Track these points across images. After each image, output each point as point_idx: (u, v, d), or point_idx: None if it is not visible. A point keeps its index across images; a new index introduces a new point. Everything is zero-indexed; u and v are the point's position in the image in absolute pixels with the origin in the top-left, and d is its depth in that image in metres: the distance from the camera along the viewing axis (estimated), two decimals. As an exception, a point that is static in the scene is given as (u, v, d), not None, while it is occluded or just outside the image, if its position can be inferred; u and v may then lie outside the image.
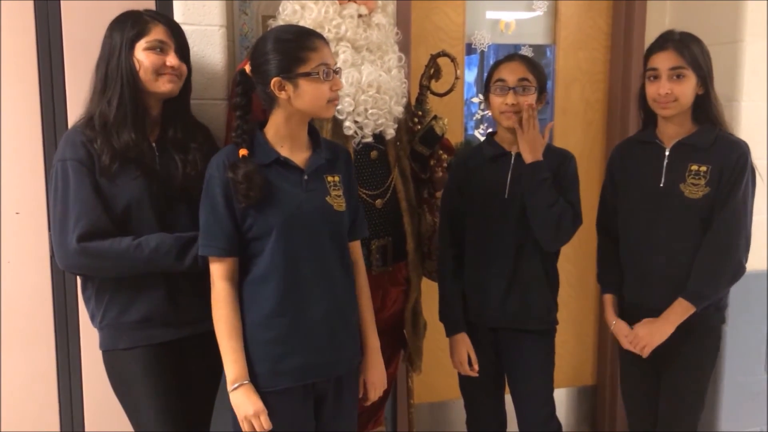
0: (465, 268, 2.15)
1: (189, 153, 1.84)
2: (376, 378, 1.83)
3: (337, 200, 1.71)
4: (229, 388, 1.64)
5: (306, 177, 1.69)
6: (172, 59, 1.79)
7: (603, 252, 2.28)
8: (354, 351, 1.79)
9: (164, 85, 1.79)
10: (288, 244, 1.65)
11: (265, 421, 1.63)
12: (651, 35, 2.89)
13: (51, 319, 2.28)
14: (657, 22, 2.92)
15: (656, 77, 2.03)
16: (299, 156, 1.71)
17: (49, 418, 2.31)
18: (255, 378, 1.66)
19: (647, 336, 2.08)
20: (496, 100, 2.05)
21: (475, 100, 2.99)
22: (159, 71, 1.78)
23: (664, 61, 2.02)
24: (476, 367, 2.12)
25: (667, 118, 2.07)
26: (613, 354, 3.11)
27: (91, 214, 1.70)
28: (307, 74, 1.62)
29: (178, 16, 2.04)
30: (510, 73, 2.03)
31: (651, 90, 2.05)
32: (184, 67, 1.83)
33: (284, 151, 1.69)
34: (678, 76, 2.00)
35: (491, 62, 2.40)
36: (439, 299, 2.19)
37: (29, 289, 2.25)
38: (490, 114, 2.13)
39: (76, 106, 1.86)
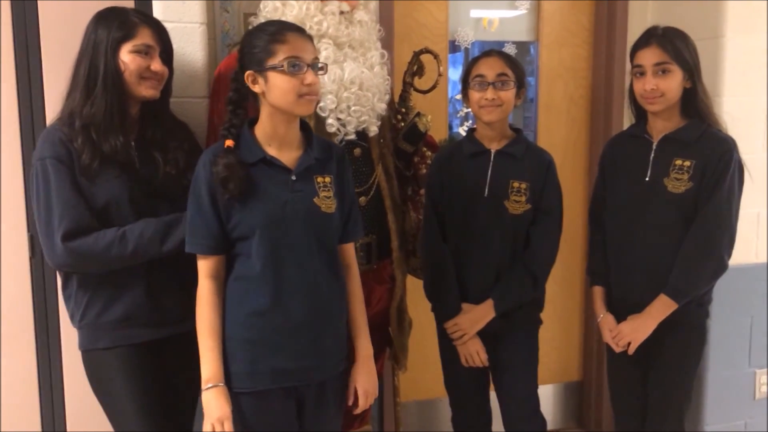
0: None
1: (169, 152, 1.82)
2: (368, 386, 1.77)
3: (325, 201, 1.68)
4: (203, 387, 1.62)
5: (294, 177, 1.66)
6: (156, 64, 1.77)
7: (593, 244, 2.28)
8: (339, 357, 1.75)
9: (146, 90, 1.77)
10: (271, 244, 1.63)
11: (228, 427, 1.60)
12: (633, 31, 2.91)
13: (31, 319, 2.25)
14: (639, 18, 2.93)
15: (642, 73, 2.04)
16: (289, 155, 1.68)
17: (30, 419, 2.28)
18: (232, 377, 1.65)
19: (631, 333, 2.09)
20: (475, 95, 2.05)
21: (459, 97, 2.98)
22: (143, 75, 1.76)
23: (648, 57, 2.02)
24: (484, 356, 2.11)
25: (656, 113, 2.07)
26: (599, 350, 3.11)
27: (74, 212, 1.68)
28: (274, 67, 1.60)
29: (158, 13, 2.02)
30: (488, 69, 2.03)
31: (637, 86, 2.06)
32: (166, 72, 1.81)
33: (272, 150, 1.67)
34: (663, 72, 2.01)
35: (474, 59, 2.39)
36: (434, 289, 2.16)
37: (9, 290, 2.22)
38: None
39: (54, 105, 1.84)
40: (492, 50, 2.11)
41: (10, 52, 2.14)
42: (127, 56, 1.74)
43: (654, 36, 2.04)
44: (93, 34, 1.75)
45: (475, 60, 2.09)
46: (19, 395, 2.27)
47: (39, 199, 1.71)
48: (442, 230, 2.13)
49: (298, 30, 1.65)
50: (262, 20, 1.95)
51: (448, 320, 2.12)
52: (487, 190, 2.07)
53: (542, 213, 2.09)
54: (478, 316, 2.08)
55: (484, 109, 2.04)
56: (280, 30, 1.63)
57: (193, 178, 1.67)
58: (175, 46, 1.99)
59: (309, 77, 1.61)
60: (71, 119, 1.74)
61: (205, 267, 1.66)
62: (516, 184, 2.06)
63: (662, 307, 2.05)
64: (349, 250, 1.81)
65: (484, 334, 2.11)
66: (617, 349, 2.14)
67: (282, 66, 1.59)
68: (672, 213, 2.05)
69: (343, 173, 1.75)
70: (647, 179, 2.08)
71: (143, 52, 1.75)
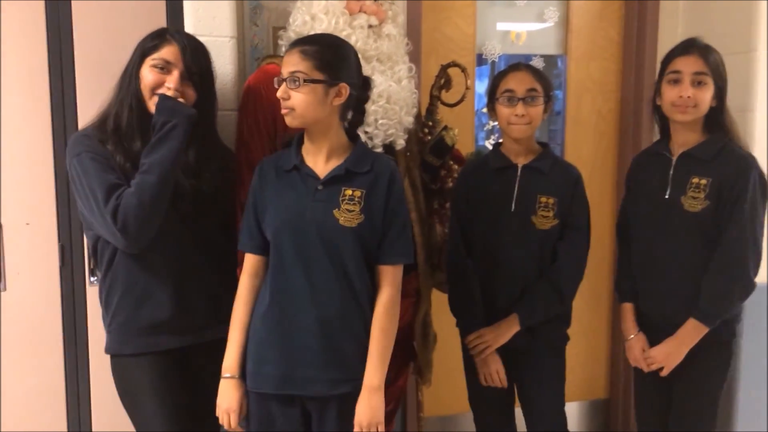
0: None
1: (202, 177, 1.83)
2: (363, 418, 1.67)
3: (346, 214, 1.67)
4: (222, 375, 1.71)
5: (319, 186, 1.68)
6: (171, 80, 1.77)
7: (621, 261, 2.25)
8: (343, 377, 1.69)
9: (154, 106, 1.77)
10: (281, 250, 1.68)
11: (233, 420, 1.68)
12: (663, 45, 2.88)
13: (60, 328, 2.27)
14: (669, 32, 2.90)
15: (677, 81, 2.01)
16: (325, 165, 1.71)
17: (57, 423, 2.31)
18: (245, 375, 1.72)
19: (664, 359, 2.06)
20: (504, 111, 2.03)
21: (486, 110, 2.97)
22: (155, 90, 1.77)
23: (688, 65, 2.00)
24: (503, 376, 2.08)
25: (681, 125, 2.05)
26: (626, 368, 3.07)
27: (117, 188, 1.70)
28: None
29: (189, 27, 2.04)
30: (518, 84, 2.01)
31: (671, 93, 2.02)
32: (189, 93, 1.80)
33: (309, 159, 1.71)
34: (699, 83, 1.99)
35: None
36: (458, 304, 2.14)
37: (39, 299, 2.25)
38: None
39: (87, 113, 1.87)
40: (520, 64, 2.09)
41: (44, 57, 2.17)
42: (145, 69, 1.78)
43: (694, 46, 2.02)
44: (137, 45, 1.81)
45: (503, 74, 2.07)
46: (47, 401, 2.29)
47: (84, 192, 1.72)
48: (467, 245, 2.11)
49: (295, 45, 1.68)
50: (292, 34, 1.97)
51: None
52: (514, 205, 2.05)
53: (570, 229, 2.07)
54: (502, 329, 2.06)
55: (513, 126, 2.02)
56: (289, 47, 1.70)
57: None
58: (205, 59, 2.02)
59: (279, 92, 1.66)
60: (105, 124, 1.78)
61: (246, 264, 1.76)
62: (543, 199, 2.04)
63: (693, 332, 2.02)
64: (385, 272, 1.73)
65: (510, 351, 2.08)
66: (646, 370, 2.11)
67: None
68: (689, 232, 2.02)
69: (381, 189, 1.70)
70: (666, 197, 2.06)
71: (160, 67, 1.77)
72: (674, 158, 2.07)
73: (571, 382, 2.21)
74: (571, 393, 2.22)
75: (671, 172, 2.06)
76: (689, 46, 2.02)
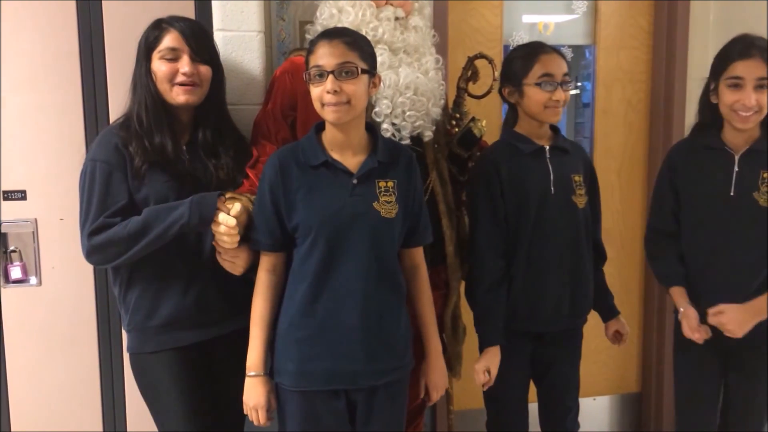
0: (516, 274, 2.03)
1: (220, 157, 1.85)
2: (437, 380, 1.85)
3: (385, 206, 1.68)
4: (246, 373, 1.70)
5: (355, 181, 1.67)
6: (184, 65, 1.78)
7: (664, 253, 2.14)
8: (392, 364, 1.73)
9: (178, 97, 1.79)
10: (325, 246, 1.65)
11: (262, 417, 1.68)
12: (694, 34, 2.84)
13: (94, 320, 2.30)
14: (701, 20, 2.85)
15: (738, 86, 1.92)
16: (353, 159, 1.70)
17: (93, 419, 2.34)
18: (283, 375, 1.70)
19: (730, 320, 1.95)
20: (543, 95, 1.96)
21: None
22: (172, 80, 1.78)
23: (750, 70, 1.91)
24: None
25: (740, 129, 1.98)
26: (657, 361, 3.03)
27: (105, 213, 1.73)
28: (307, 78, 1.66)
29: (216, 23, 2.06)
30: (557, 68, 1.97)
31: (730, 98, 1.94)
32: (203, 71, 1.81)
33: (335, 154, 1.69)
34: (761, 86, 1.90)
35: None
36: (480, 309, 2.05)
37: (73, 293, 2.28)
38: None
39: (118, 110, 1.89)
40: (546, 45, 2.03)
41: (76, 55, 2.18)
42: (156, 63, 1.79)
43: (755, 47, 1.92)
44: (139, 43, 1.82)
45: (534, 56, 1.99)
46: (82, 396, 2.32)
47: (83, 197, 1.77)
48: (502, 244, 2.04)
49: (331, 36, 1.64)
50: (319, 27, 1.97)
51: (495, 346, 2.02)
52: (552, 188, 2.01)
53: (596, 206, 2.11)
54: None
55: (551, 110, 1.98)
56: (316, 39, 1.66)
57: (260, 178, 1.72)
58: (233, 54, 2.04)
59: (327, 84, 1.61)
60: (128, 121, 1.80)
61: (264, 261, 1.73)
62: (577, 178, 2.04)
63: None
64: (418, 252, 1.83)
65: (545, 340, 2.08)
66: (701, 340, 2.01)
67: (308, 76, 1.65)
68: (761, 228, 1.95)
69: (409, 178, 1.74)
70: (732, 194, 1.98)
71: (168, 57, 1.78)
72: (737, 155, 1.99)
73: (603, 375, 2.20)
74: (602, 387, 2.22)
75: (736, 168, 1.99)
76: (748, 48, 1.92)
